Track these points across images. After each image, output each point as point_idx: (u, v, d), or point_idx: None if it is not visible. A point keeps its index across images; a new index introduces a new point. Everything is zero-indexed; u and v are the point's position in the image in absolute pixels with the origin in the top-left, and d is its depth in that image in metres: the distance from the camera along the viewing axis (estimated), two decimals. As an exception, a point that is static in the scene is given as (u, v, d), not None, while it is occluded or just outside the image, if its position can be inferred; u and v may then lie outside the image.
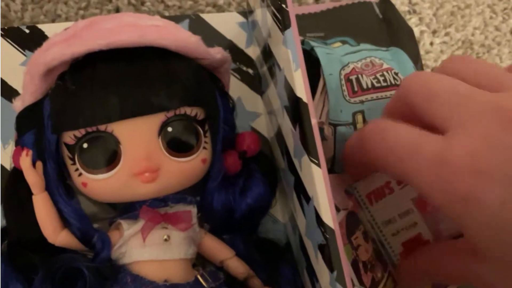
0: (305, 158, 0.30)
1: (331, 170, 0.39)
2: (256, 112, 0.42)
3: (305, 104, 0.29)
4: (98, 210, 0.35)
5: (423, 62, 0.47)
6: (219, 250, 0.35)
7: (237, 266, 0.35)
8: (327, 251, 0.28)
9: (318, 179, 0.28)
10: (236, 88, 0.42)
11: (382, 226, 0.39)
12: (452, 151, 0.25)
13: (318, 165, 0.28)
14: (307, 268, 0.35)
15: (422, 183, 0.27)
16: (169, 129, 0.31)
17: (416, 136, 0.28)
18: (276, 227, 0.40)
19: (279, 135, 0.37)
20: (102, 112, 0.29)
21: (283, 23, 0.30)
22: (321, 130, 0.39)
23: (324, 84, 0.39)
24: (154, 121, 0.30)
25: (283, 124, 0.35)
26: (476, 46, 0.49)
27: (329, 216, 0.28)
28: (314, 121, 0.29)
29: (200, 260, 0.35)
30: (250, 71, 0.43)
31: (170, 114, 0.31)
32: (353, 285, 0.33)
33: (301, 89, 0.29)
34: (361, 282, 0.34)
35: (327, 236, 0.28)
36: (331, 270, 0.28)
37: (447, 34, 0.48)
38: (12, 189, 0.33)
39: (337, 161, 0.40)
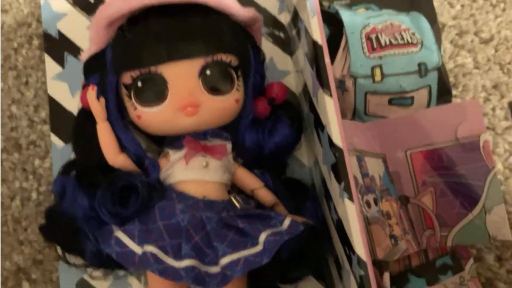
0: (320, 91, 0.35)
1: (352, 120, 0.44)
2: (286, 70, 0.48)
3: (320, 46, 0.34)
4: (146, 146, 0.42)
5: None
6: (250, 180, 0.40)
7: (265, 195, 0.40)
8: (336, 167, 0.33)
9: (329, 106, 0.33)
10: (269, 50, 0.47)
11: None
12: None
13: (330, 95, 0.33)
14: (325, 196, 0.40)
15: None
16: (208, 72, 0.37)
17: None
18: (303, 170, 0.46)
19: (305, 89, 0.42)
20: (152, 56, 0.36)
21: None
22: (343, 82, 0.44)
23: (346, 42, 0.44)
24: (195, 65, 0.36)
25: (305, 71, 0.40)
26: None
27: (338, 137, 0.33)
28: (327, 60, 0.34)
29: (235, 190, 0.41)
30: (282, 35, 0.49)
31: (209, 59, 0.37)
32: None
33: (317, 33, 0.35)
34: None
35: (337, 154, 0.33)
36: (339, 182, 0.33)
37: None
38: (80, 126, 0.40)
39: (357, 111, 0.45)
